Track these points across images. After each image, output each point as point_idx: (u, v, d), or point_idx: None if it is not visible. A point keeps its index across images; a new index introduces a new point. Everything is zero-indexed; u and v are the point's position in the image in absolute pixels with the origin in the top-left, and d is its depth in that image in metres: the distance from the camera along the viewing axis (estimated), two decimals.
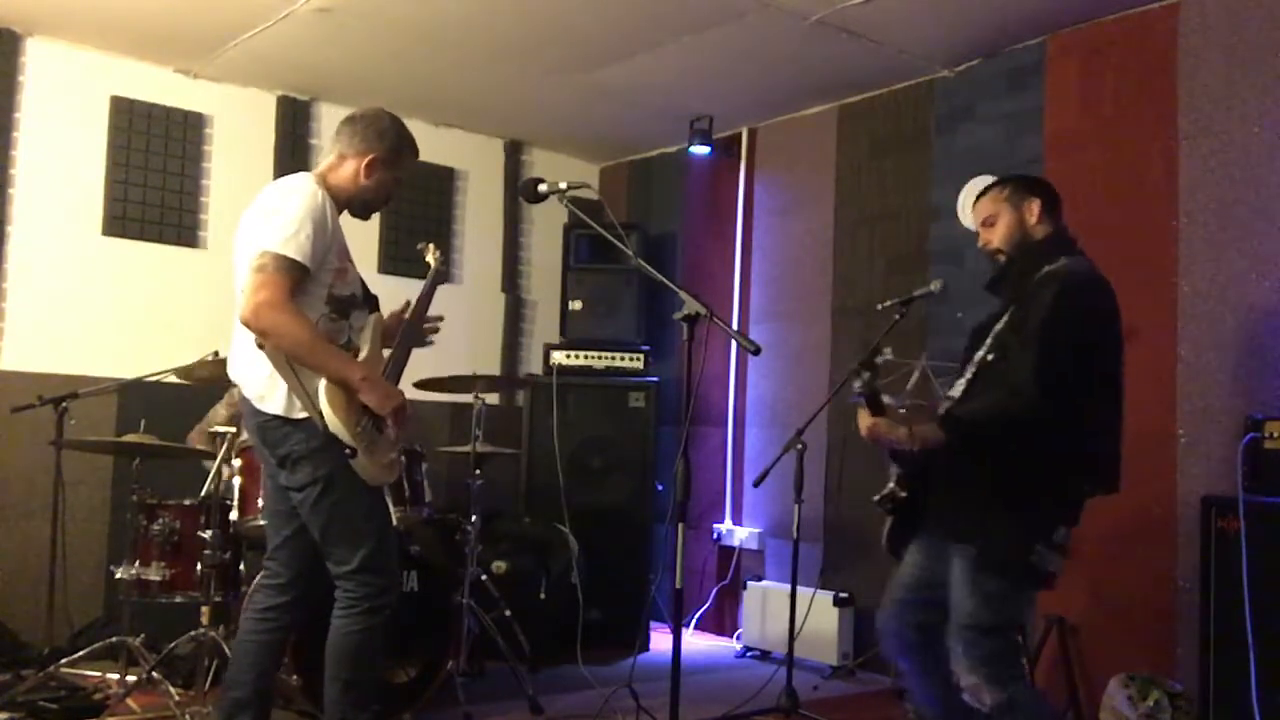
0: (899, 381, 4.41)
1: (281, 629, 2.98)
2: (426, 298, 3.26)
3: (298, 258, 2.73)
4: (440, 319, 3.33)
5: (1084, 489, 2.78)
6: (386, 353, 3.10)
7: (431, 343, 3.32)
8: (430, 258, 3.46)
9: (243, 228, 2.89)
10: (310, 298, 2.81)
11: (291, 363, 2.75)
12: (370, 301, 3.06)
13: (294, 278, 2.73)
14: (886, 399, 2.78)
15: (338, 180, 2.97)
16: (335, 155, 3.00)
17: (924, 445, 2.70)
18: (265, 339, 2.73)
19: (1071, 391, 2.64)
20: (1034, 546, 2.67)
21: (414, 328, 3.21)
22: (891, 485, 2.89)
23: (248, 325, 2.73)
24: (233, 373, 2.96)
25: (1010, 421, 2.66)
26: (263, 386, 2.82)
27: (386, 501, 2.93)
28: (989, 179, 4.54)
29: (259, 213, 2.84)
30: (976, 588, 2.69)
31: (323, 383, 2.76)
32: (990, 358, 2.80)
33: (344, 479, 2.81)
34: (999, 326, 2.84)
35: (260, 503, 3.65)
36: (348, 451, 2.76)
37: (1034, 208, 2.91)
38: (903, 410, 2.83)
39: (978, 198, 3.03)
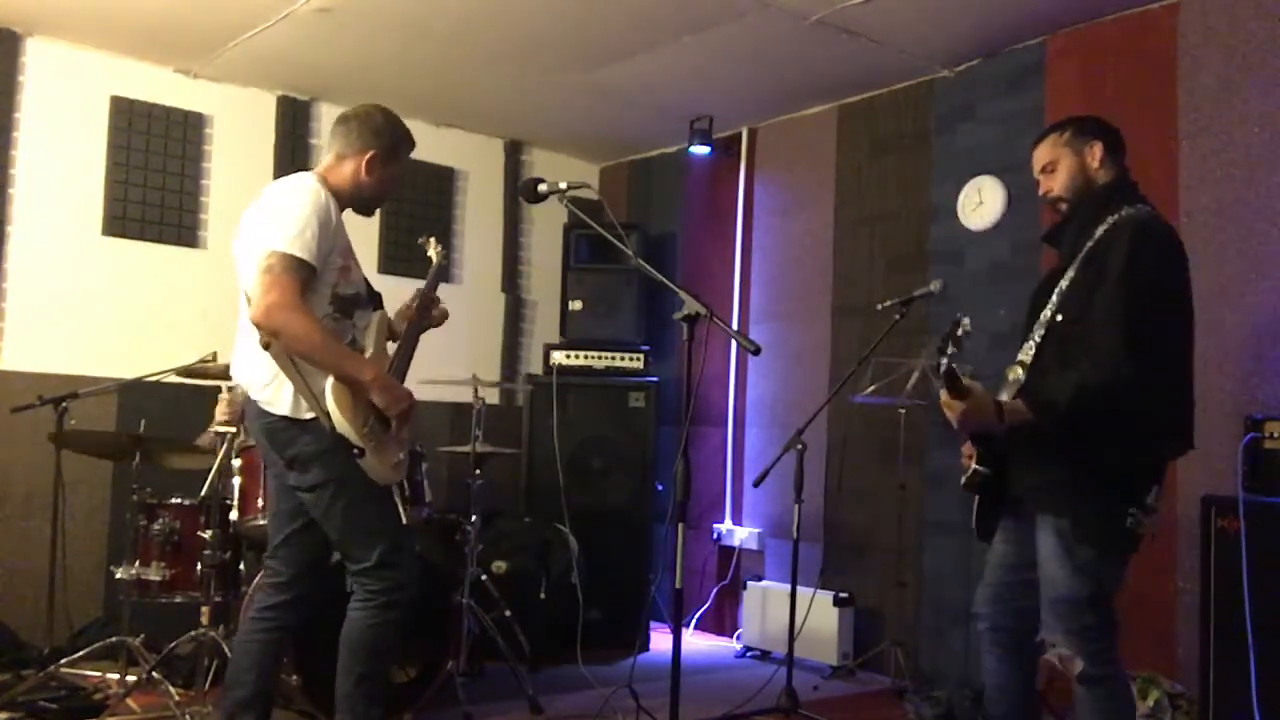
0: (899, 381, 4.43)
1: (282, 628, 2.98)
2: (430, 291, 3.27)
3: (304, 257, 2.73)
4: (445, 314, 3.33)
5: (1172, 447, 2.69)
6: (391, 348, 3.10)
7: (439, 323, 3.32)
8: (432, 252, 3.47)
9: (244, 228, 2.89)
10: (315, 296, 2.81)
11: (297, 363, 2.75)
12: (374, 300, 3.06)
13: (302, 277, 2.73)
14: (967, 382, 2.61)
15: (338, 180, 2.97)
16: (333, 156, 3.01)
17: (1014, 424, 2.59)
18: (276, 339, 2.72)
19: (1162, 353, 2.54)
20: (1130, 511, 2.57)
21: (420, 321, 3.22)
22: (975, 465, 2.77)
23: (259, 326, 2.73)
24: (236, 374, 2.96)
25: (1106, 394, 2.52)
26: (269, 388, 2.82)
27: (396, 500, 2.93)
28: (986, 180, 4.59)
29: (262, 213, 2.84)
30: (1069, 559, 2.59)
31: (329, 383, 2.76)
32: (1059, 318, 2.66)
33: (354, 479, 2.81)
34: (1064, 283, 2.69)
35: (260, 503, 3.65)
36: (355, 451, 2.76)
37: (1096, 151, 2.76)
38: (979, 386, 2.65)
39: (1035, 143, 2.87)
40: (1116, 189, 2.74)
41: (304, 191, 2.83)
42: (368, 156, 2.97)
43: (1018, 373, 2.73)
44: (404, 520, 2.93)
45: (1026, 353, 2.72)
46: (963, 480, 2.81)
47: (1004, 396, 2.68)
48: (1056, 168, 2.79)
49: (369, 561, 2.86)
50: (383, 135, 3.00)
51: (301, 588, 2.99)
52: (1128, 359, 2.49)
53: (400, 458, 2.93)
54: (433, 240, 3.52)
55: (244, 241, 2.88)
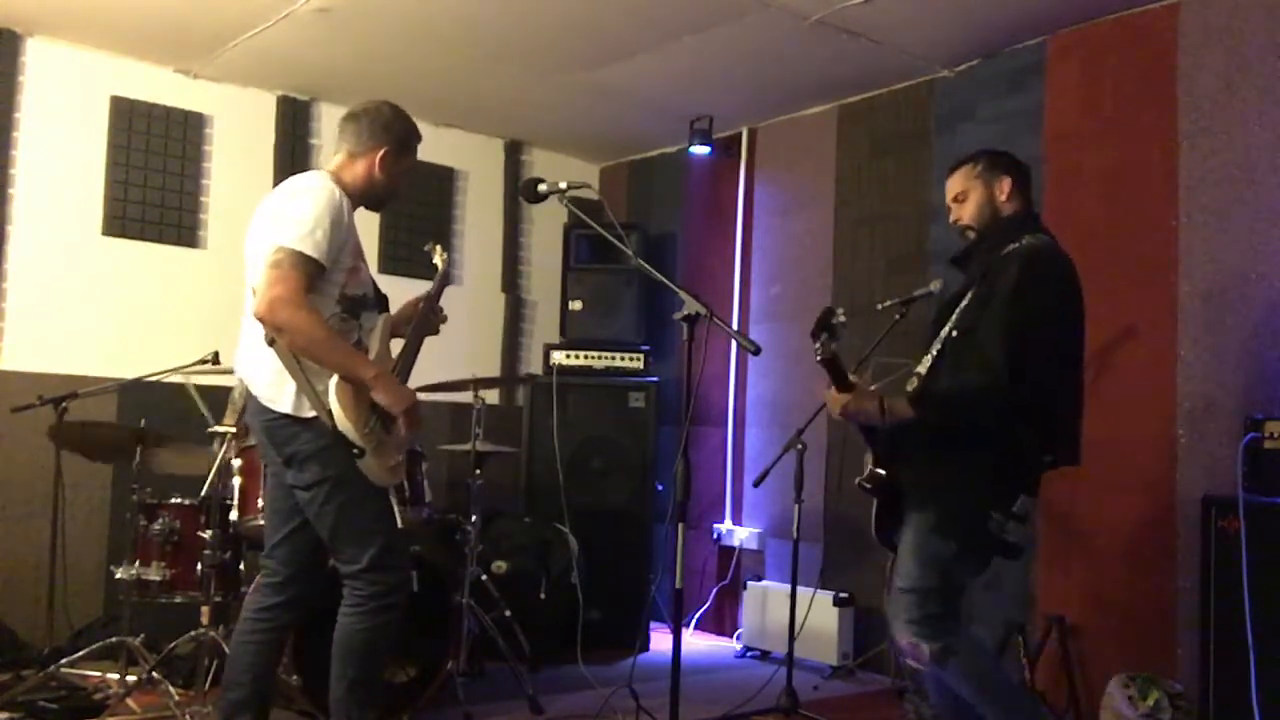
0: (899, 381, 4.43)
1: (279, 628, 2.98)
2: (436, 296, 3.27)
3: (313, 254, 2.73)
4: (445, 319, 3.34)
5: (1044, 461, 2.81)
6: (396, 348, 3.10)
7: (438, 330, 3.33)
8: (438, 259, 3.46)
9: (255, 224, 2.89)
10: (323, 296, 2.81)
11: (300, 361, 2.75)
12: (381, 302, 3.06)
13: (309, 274, 2.73)
14: (853, 377, 2.80)
15: (351, 178, 2.97)
16: (345, 154, 3.00)
17: (894, 420, 2.76)
18: (279, 335, 2.73)
19: (1037, 367, 2.68)
20: (991, 514, 2.71)
21: (424, 323, 3.22)
22: (871, 466, 2.92)
23: (262, 320, 2.73)
24: (240, 370, 2.96)
25: (981, 399, 2.71)
26: (271, 385, 2.82)
27: (392, 503, 2.92)
28: None
29: (274, 209, 2.84)
30: (924, 550, 2.76)
31: (332, 381, 2.76)
32: (954, 334, 2.84)
33: (352, 479, 2.81)
34: (964, 303, 2.87)
35: (260, 502, 3.65)
36: (355, 451, 2.76)
37: (1005, 185, 2.95)
38: (872, 386, 2.86)
39: (950, 172, 3.06)
40: (1021, 220, 2.93)
41: (318, 190, 2.83)
42: (380, 154, 2.97)
43: (914, 383, 2.90)
44: (399, 523, 2.92)
45: (923, 365, 2.91)
46: (857, 480, 2.96)
47: None
48: (967, 198, 2.98)
49: (360, 564, 2.85)
50: (393, 131, 3.00)
51: (298, 587, 2.99)
52: (1004, 369, 2.66)
53: (399, 460, 2.93)
54: (438, 247, 3.51)
55: (254, 238, 2.87)
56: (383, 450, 2.84)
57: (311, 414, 2.78)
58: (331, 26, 4.52)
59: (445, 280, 3.38)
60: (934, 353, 2.89)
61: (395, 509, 2.91)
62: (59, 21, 4.66)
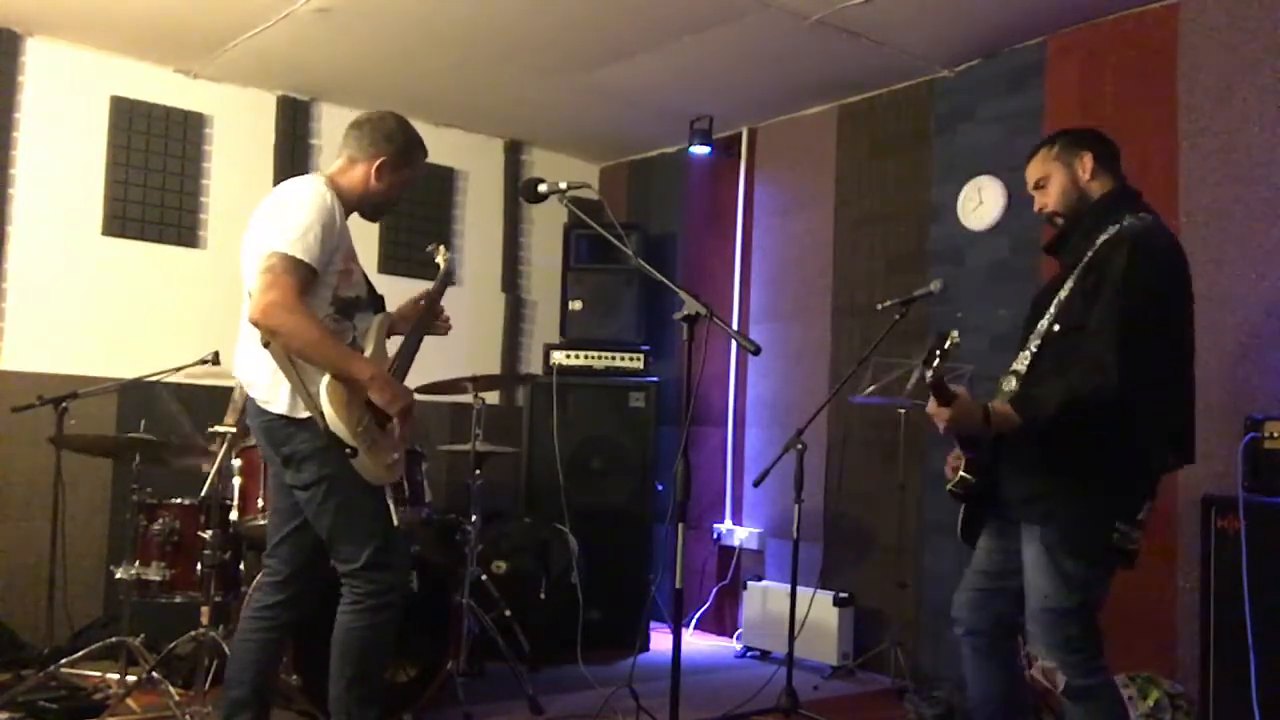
0: (899, 381, 4.43)
1: (280, 627, 2.99)
2: (437, 296, 3.28)
3: (305, 259, 2.75)
4: (449, 323, 3.35)
5: (1166, 463, 2.65)
6: (393, 347, 3.10)
7: (444, 331, 3.34)
8: (440, 259, 3.47)
9: (251, 229, 2.90)
10: (316, 299, 2.82)
11: (294, 362, 2.76)
12: (376, 302, 3.07)
13: (302, 278, 2.75)
14: (954, 387, 2.59)
15: (348, 183, 2.99)
16: (345, 159, 3.02)
17: (1000, 429, 2.56)
18: (274, 338, 2.75)
19: (1153, 363, 2.50)
20: (1116, 526, 2.54)
21: (424, 322, 3.23)
22: (962, 473, 2.75)
23: (257, 324, 2.75)
24: (238, 372, 2.98)
25: (1095, 402, 2.49)
26: (268, 386, 2.84)
27: (389, 502, 2.93)
28: (986, 180, 4.59)
29: (268, 214, 2.86)
30: (1056, 569, 2.56)
31: (324, 381, 2.77)
32: (1056, 328, 2.64)
33: (348, 478, 2.82)
34: (1062, 294, 2.66)
35: (260, 503, 3.66)
36: (348, 451, 2.77)
37: (1087, 163, 2.72)
38: (965, 391, 2.63)
39: (1028, 159, 2.84)
40: (1117, 198, 2.71)
41: (310, 194, 2.84)
42: (378, 162, 2.99)
43: (1011, 382, 2.72)
44: (395, 522, 2.92)
45: (1021, 362, 2.71)
46: (948, 486, 2.80)
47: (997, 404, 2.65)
48: (1048, 183, 2.76)
49: (358, 562, 2.86)
50: (395, 141, 3.01)
51: (299, 586, 3.00)
52: (1118, 369, 2.46)
53: (395, 458, 2.93)
54: (441, 248, 3.52)
55: (249, 242, 2.89)
56: (377, 449, 2.84)
57: (307, 414, 2.79)
58: (331, 26, 4.52)
59: (448, 280, 3.38)
60: (1032, 349, 2.69)
61: (392, 508, 2.92)
62: (59, 21, 4.66)
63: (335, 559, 2.91)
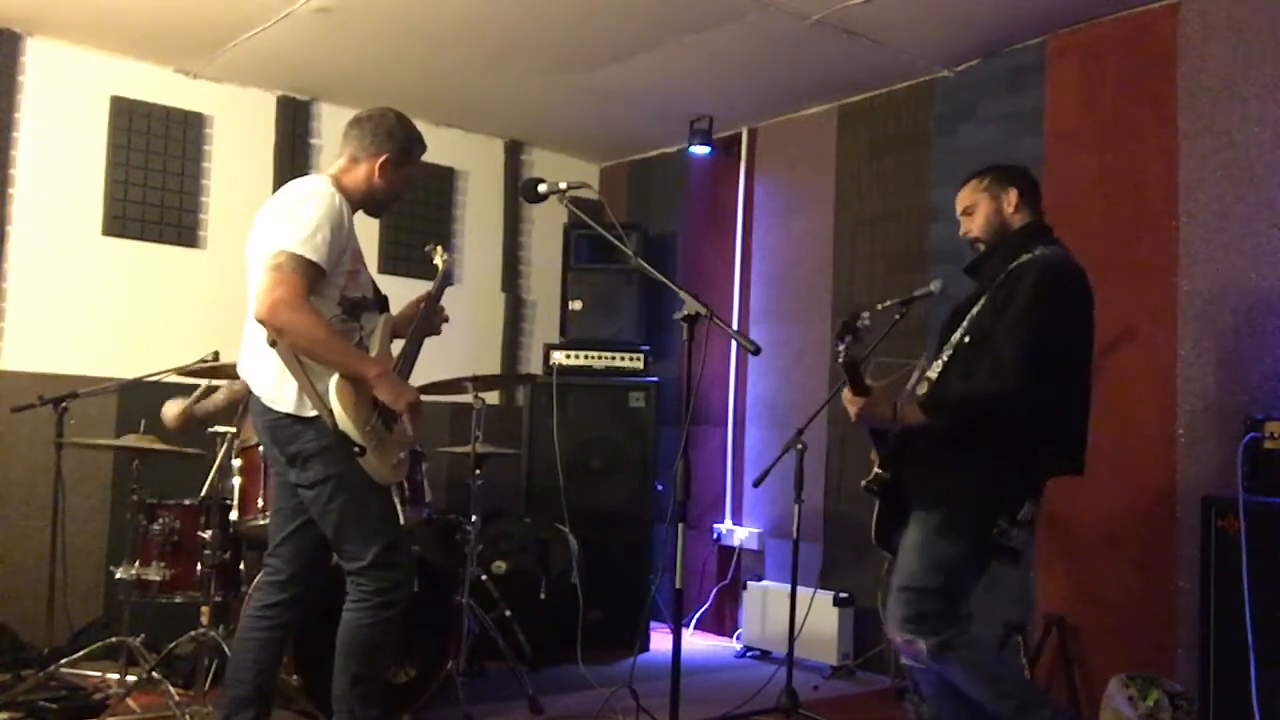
0: (899, 381, 4.42)
1: (281, 626, 2.99)
2: (436, 297, 3.28)
3: (314, 258, 2.75)
4: (447, 319, 3.35)
5: (1051, 468, 2.88)
6: (396, 349, 3.11)
7: (439, 330, 3.34)
8: (438, 259, 3.47)
9: (257, 228, 2.91)
10: (323, 300, 2.83)
11: (302, 360, 2.77)
12: (381, 303, 3.07)
13: (309, 277, 2.75)
14: (869, 381, 2.82)
15: (352, 182, 2.99)
16: (346, 158, 3.03)
17: (906, 424, 2.79)
18: (280, 336, 2.75)
19: (1050, 375, 2.73)
20: (997, 520, 2.76)
21: (424, 324, 3.23)
22: (876, 469, 2.95)
23: (263, 323, 2.75)
24: (243, 371, 2.97)
25: (993, 404, 2.75)
26: (273, 385, 2.84)
27: (395, 501, 2.93)
28: None
29: (275, 213, 2.86)
30: (930, 550, 2.79)
31: (333, 380, 2.77)
32: (967, 340, 2.88)
33: (354, 477, 2.82)
34: (975, 310, 2.91)
35: (260, 503, 3.66)
36: (356, 450, 2.77)
37: (1012, 198, 3.00)
38: (882, 386, 2.87)
39: (960, 186, 3.11)
40: (1032, 232, 2.98)
41: (319, 195, 2.85)
42: (381, 160, 2.99)
43: (924, 386, 2.94)
44: (401, 521, 2.93)
45: (934, 370, 2.94)
46: (862, 482, 3.00)
47: None
48: (975, 211, 3.04)
49: (364, 561, 2.87)
50: (396, 138, 3.02)
51: (301, 586, 3.00)
52: (1017, 375, 2.70)
53: (401, 458, 2.94)
54: (439, 249, 3.53)
55: (255, 241, 2.89)
56: (384, 448, 2.85)
57: (313, 413, 2.79)
58: (331, 26, 4.52)
59: (446, 281, 3.39)
60: (945, 358, 2.92)
61: (398, 507, 2.93)
62: (59, 21, 4.66)
63: (341, 557, 2.92)
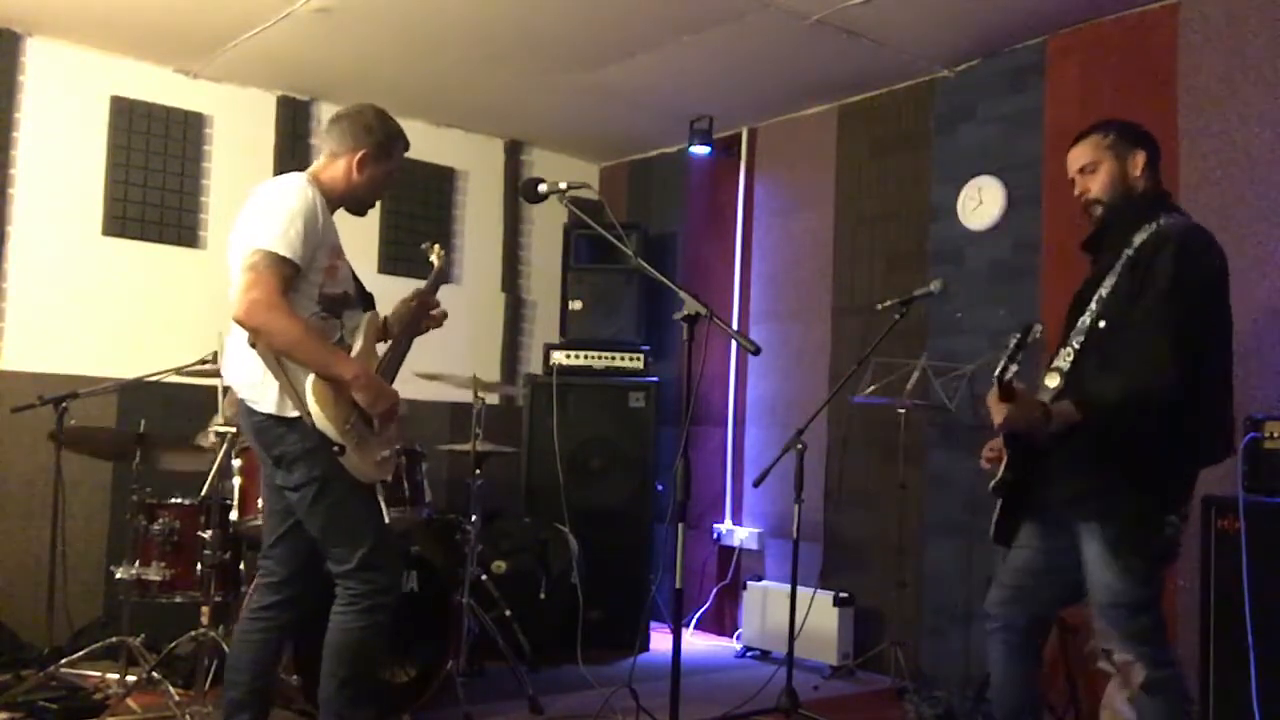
0: (899, 382, 4.43)
1: (278, 627, 2.98)
2: (429, 294, 3.27)
3: (288, 255, 2.74)
4: (445, 315, 3.34)
5: (1216, 456, 2.71)
6: (382, 348, 3.10)
7: (424, 330, 3.32)
8: (434, 257, 3.47)
9: (236, 228, 2.91)
10: (300, 296, 2.82)
11: (282, 361, 2.76)
12: (365, 300, 3.06)
13: (284, 275, 2.74)
14: (1017, 385, 2.59)
15: (330, 178, 2.98)
16: (326, 155, 3.03)
17: (1060, 425, 2.57)
18: (258, 336, 2.75)
19: (1207, 362, 2.56)
20: (1169, 519, 2.60)
21: (415, 322, 3.22)
22: (1003, 470, 2.76)
23: (240, 323, 2.76)
24: (226, 373, 2.97)
25: (1153, 398, 2.53)
26: (256, 386, 2.83)
27: (379, 501, 2.93)
28: (986, 180, 4.59)
29: (251, 212, 2.86)
30: (1121, 565, 2.59)
31: (310, 380, 2.76)
32: (1102, 325, 2.65)
33: (339, 478, 2.81)
34: (1104, 290, 2.68)
35: (260, 502, 3.66)
36: (335, 449, 2.77)
37: (1139, 160, 2.76)
38: (1025, 388, 2.64)
39: (1076, 141, 2.86)
40: (1156, 198, 2.76)
41: (291, 190, 2.84)
42: (359, 155, 2.98)
43: (1055, 379, 2.71)
44: (386, 520, 2.92)
45: (1065, 359, 2.71)
46: (991, 484, 2.80)
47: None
48: (1097, 169, 2.78)
49: (350, 564, 2.85)
50: (374, 133, 3.01)
51: (296, 587, 2.99)
52: (1174, 364, 2.50)
53: (384, 455, 2.93)
54: (435, 246, 3.52)
55: (234, 241, 2.89)
56: (365, 446, 2.84)
57: (296, 414, 2.78)
58: (331, 26, 4.52)
59: (440, 279, 3.38)
60: (1075, 345, 2.69)
61: (383, 506, 2.92)
62: (59, 21, 4.66)
63: (328, 559, 2.90)
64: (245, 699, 2.92)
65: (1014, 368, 2.50)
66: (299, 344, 2.74)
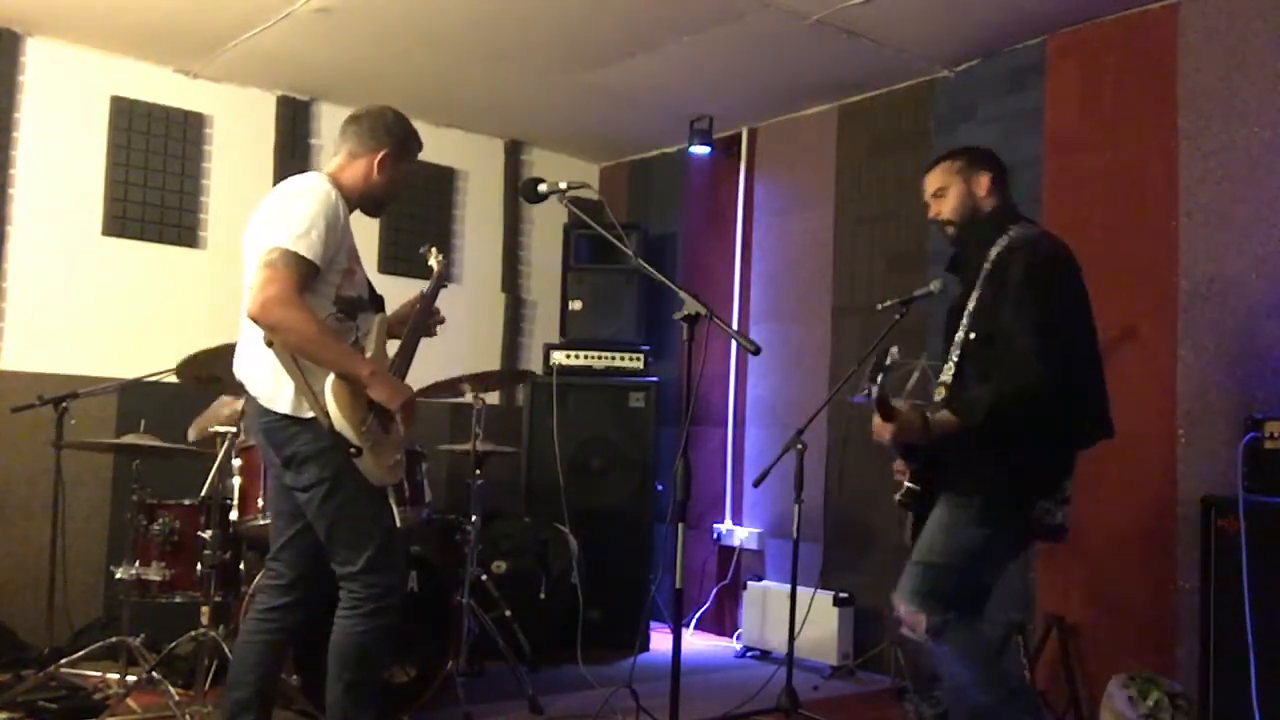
0: (899, 381, 4.42)
1: (284, 630, 2.98)
2: (431, 299, 3.27)
3: (308, 255, 2.73)
4: (442, 320, 3.34)
5: (1085, 439, 2.90)
6: (392, 349, 3.10)
7: (435, 333, 3.33)
8: (433, 261, 3.46)
9: (253, 226, 2.89)
10: (318, 298, 2.80)
11: (298, 361, 2.75)
12: (376, 302, 3.06)
13: (303, 274, 2.73)
14: (895, 402, 2.83)
15: (350, 180, 2.97)
16: (344, 155, 3.01)
17: (940, 434, 2.78)
18: (273, 334, 2.73)
19: (1067, 352, 2.76)
20: (1040, 503, 2.80)
21: (420, 323, 3.22)
22: (908, 484, 2.95)
23: (255, 320, 2.73)
24: (239, 371, 2.95)
25: (1023, 397, 2.72)
26: (270, 386, 2.81)
27: (390, 503, 2.92)
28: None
29: (270, 210, 2.84)
30: (959, 533, 2.79)
31: (329, 380, 2.75)
32: (972, 336, 2.87)
33: (349, 479, 2.81)
34: (971, 304, 2.91)
35: (260, 503, 3.65)
36: (352, 450, 2.75)
37: (984, 181, 3.02)
38: (910, 404, 2.88)
39: (928, 169, 3.13)
40: (1002, 214, 3.00)
41: (314, 191, 2.83)
42: (380, 155, 2.98)
43: (941, 392, 2.93)
44: (398, 523, 2.92)
45: (947, 373, 2.94)
46: (896, 496, 3.00)
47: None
48: (946, 193, 3.05)
49: (355, 565, 2.84)
50: (394, 134, 3.01)
51: (304, 589, 2.98)
52: (1038, 363, 2.71)
53: (398, 459, 2.93)
54: (434, 250, 3.51)
55: (250, 239, 2.87)
56: (380, 449, 2.83)
57: (310, 414, 2.77)
58: (331, 26, 4.52)
59: (441, 282, 3.37)
60: (954, 359, 2.92)
61: (394, 509, 2.91)
62: (59, 21, 4.66)
63: (333, 561, 2.89)
64: (250, 699, 2.92)
65: (873, 390, 2.71)
66: (314, 342, 2.73)
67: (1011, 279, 2.80)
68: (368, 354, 2.90)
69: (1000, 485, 2.79)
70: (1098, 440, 2.91)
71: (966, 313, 2.92)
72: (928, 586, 2.81)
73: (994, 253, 2.90)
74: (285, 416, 2.80)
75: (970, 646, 2.82)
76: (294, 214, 2.77)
